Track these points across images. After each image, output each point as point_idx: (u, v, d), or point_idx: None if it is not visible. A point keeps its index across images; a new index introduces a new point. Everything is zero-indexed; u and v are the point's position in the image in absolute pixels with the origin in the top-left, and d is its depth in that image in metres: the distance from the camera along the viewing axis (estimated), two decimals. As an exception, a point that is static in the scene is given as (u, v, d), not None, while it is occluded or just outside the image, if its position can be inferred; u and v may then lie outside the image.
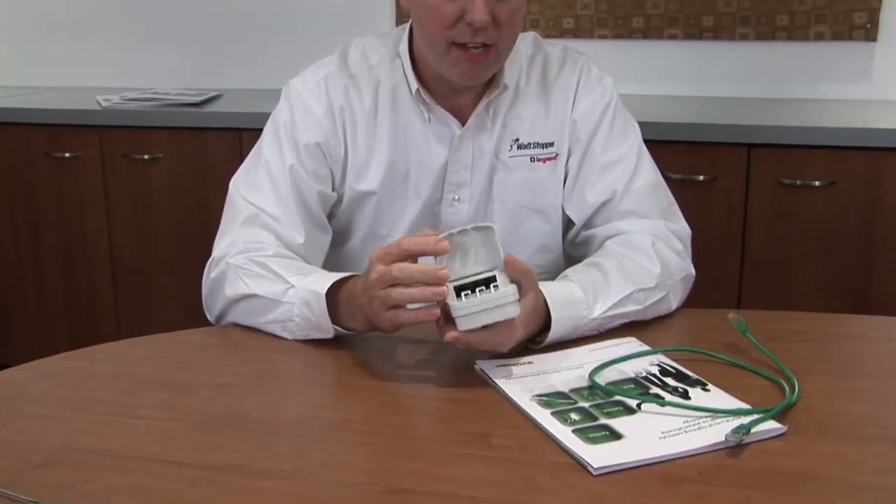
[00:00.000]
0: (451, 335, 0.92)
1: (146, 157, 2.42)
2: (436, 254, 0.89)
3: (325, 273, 1.08)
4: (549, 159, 1.24)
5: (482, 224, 0.95)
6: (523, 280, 0.97)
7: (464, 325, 0.92)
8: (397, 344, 1.06)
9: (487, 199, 1.25)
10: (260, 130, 1.26)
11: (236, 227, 1.18)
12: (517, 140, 1.23)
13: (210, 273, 1.16)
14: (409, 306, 0.92)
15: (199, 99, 2.51)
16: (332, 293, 1.03)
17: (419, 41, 1.18)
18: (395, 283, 0.91)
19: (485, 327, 0.93)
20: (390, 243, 0.94)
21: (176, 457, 0.80)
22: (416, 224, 1.25)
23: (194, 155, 2.38)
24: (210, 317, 1.16)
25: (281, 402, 0.93)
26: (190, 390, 0.94)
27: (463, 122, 1.22)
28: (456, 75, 1.15)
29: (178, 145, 2.39)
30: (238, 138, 2.32)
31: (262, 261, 1.10)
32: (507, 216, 1.26)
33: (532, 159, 1.24)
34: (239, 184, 1.21)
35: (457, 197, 1.24)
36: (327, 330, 1.03)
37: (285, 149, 1.20)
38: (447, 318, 0.94)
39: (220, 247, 1.17)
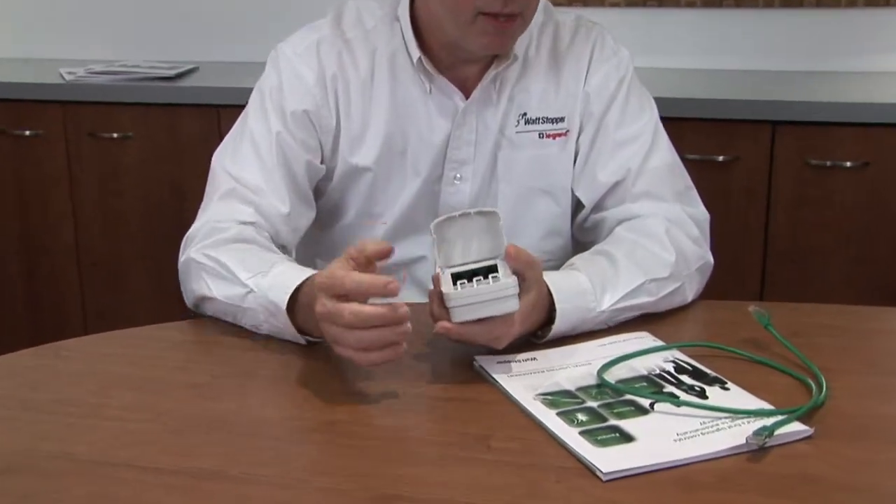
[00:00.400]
0: (442, 325, 0.94)
1: (114, 135, 2.41)
2: (383, 295, 0.89)
3: (285, 271, 1.05)
4: (559, 135, 1.25)
5: (486, 209, 0.97)
6: (526, 272, 0.98)
7: (458, 316, 0.93)
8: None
9: (491, 178, 1.26)
10: (240, 107, 1.27)
11: (214, 201, 1.20)
12: (525, 114, 1.24)
13: (181, 255, 1.17)
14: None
15: (172, 72, 2.50)
16: (296, 299, 1.02)
17: (433, 7, 1.18)
18: (351, 327, 0.90)
19: (480, 320, 0.94)
20: (336, 269, 0.91)
21: (150, 462, 0.80)
22: (413, 203, 1.26)
23: (167, 133, 2.38)
24: (187, 302, 1.17)
25: (262, 402, 0.93)
26: (164, 390, 0.94)
27: (467, 94, 1.23)
28: (480, 45, 1.16)
29: (150, 123, 2.38)
30: (216, 116, 2.32)
31: (216, 255, 1.10)
32: (512, 197, 1.27)
33: (540, 135, 1.25)
34: (221, 156, 1.23)
35: (458, 175, 1.25)
36: (299, 339, 1.04)
37: (271, 116, 1.21)
38: (441, 306, 0.95)
39: (195, 224, 1.19)
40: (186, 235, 1.18)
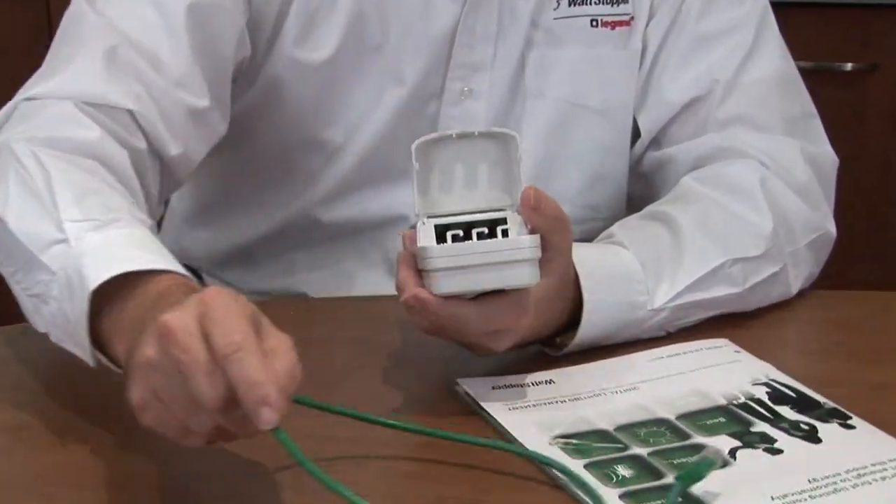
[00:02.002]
0: (413, 293, 0.89)
1: None
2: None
3: (136, 238, 0.93)
4: (620, 24, 1.25)
5: (498, 130, 0.95)
6: (550, 235, 0.93)
7: (441, 284, 0.90)
8: (325, 350, 1.05)
9: (516, 91, 1.25)
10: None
11: (76, 62, 1.08)
12: None
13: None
14: None
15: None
16: (123, 291, 0.87)
17: None
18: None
19: (477, 298, 0.92)
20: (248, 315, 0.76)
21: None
22: (391, 129, 1.21)
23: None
24: None
25: (117, 447, 0.89)
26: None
27: None
28: None
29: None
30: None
31: (46, 161, 0.98)
32: (546, 120, 1.25)
33: (593, 22, 1.24)
34: None
35: (468, 88, 1.23)
36: (83, 348, 0.91)
37: None
38: (413, 272, 0.93)
39: (35, 88, 1.08)
40: (16, 99, 1.07)
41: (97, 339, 0.88)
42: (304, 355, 0.83)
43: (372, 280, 1.23)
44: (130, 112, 1.07)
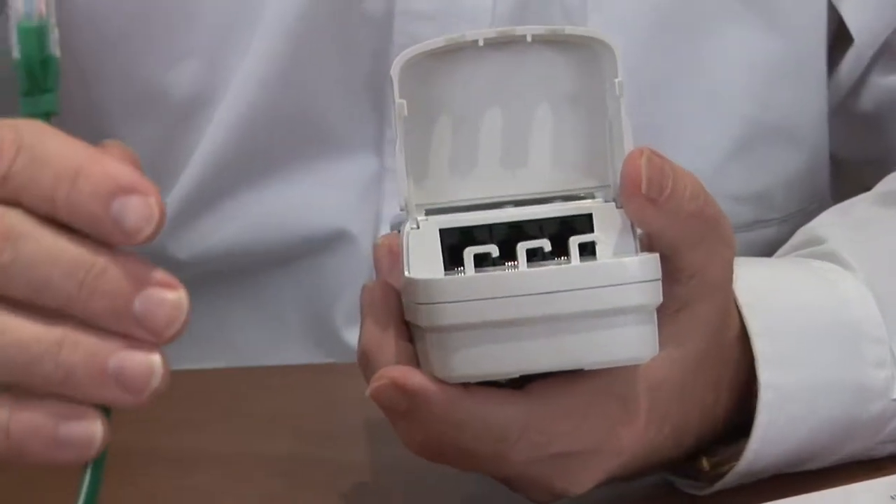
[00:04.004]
0: (396, 377, 0.64)
1: None
2: None
3: None
4: None
5: (574, 30, 0.67)
6: (687, 249, 0.66)
7: (457, 360, 0.64)
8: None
9: None
10: None
11: None
12: None
13: None
14: None
15: None
16: None
17: None
18: None
19: (520, 385, 0.64)
20: None
21: None
22: (290, 60, 0.93)
23: None
24: None
25: None
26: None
27: None
28: None
29: None
30: None
31: None
32: (636, 7, 0.97)
33: None
34: None
35: None
36: None
37: None
38: (396, 329, 0.68)
39: None
40: None
41: None
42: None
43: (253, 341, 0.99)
44: None
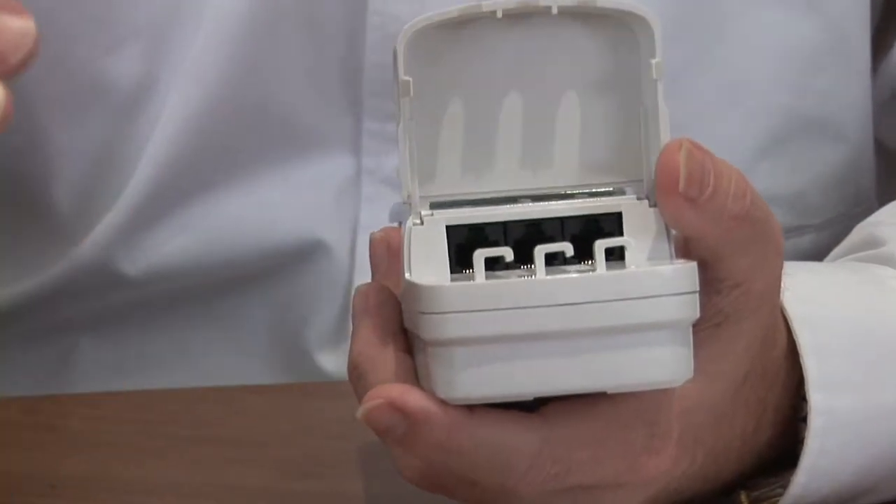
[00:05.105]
0: (394, 397, 0.61)
1: None
2: None
3: None
4: None
5: (608, 3, 0.63)
6: (730, 254, 0.63)
7: (464, 379, 0.60)
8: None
9: None
10: None
11: None
12: None
13: None
14: None
15: None
16: None
17: None
18: None
19: (534, 408, 0.61)
20: None
21: None
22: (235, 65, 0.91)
23: None
24: None
25: None
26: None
27: None
28: None
29: None
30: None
31: None
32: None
33: None
34: None
35: None
36: None
37: None
38: (397, 342, 0.66)
39: None
40: None
41: None
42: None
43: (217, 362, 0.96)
44: None
